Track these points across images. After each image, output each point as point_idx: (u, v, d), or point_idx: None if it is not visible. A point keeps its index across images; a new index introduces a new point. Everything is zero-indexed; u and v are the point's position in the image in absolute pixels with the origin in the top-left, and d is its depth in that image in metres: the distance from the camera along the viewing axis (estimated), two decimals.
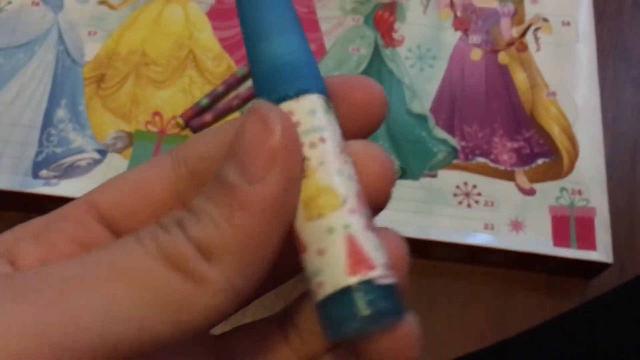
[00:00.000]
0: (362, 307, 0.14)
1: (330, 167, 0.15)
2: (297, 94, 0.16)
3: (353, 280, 0.14)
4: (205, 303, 0.14)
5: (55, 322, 0.13)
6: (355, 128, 0.17)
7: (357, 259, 0.14)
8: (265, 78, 0.17)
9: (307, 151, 0.16)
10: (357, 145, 0.17)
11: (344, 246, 0.15)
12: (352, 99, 0.17)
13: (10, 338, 0.13)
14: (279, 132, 0.15)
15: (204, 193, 0.15)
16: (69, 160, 0.48)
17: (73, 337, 0.13)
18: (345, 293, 0.14)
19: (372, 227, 0.15)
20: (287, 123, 0.15)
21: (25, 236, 0.17)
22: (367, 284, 0.14)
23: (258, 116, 0.15)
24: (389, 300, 0.15)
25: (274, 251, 0.15)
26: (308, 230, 0.15)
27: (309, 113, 0.16)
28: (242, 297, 0.15)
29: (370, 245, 0.15)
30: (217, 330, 0.18)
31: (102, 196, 0.18)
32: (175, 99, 0.50)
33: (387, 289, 0.15)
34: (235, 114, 0.50)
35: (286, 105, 0.16)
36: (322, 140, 0.16)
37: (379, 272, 0.15)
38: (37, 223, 0.17)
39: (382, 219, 0.17)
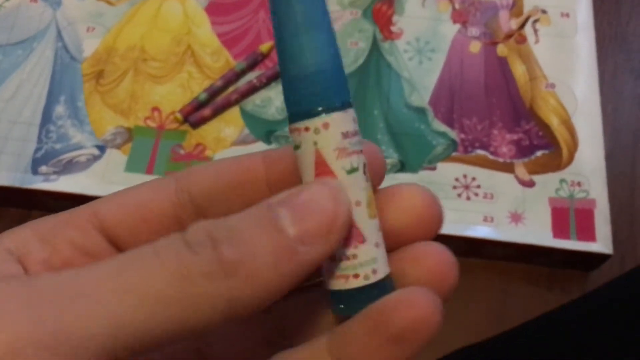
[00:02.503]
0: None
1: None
2: (344, 105, 0.17)
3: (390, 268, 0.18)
4: (205, 315, 0.15)
5: (65, 327, 0.14)
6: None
7: None
8: (308, 83, 0.17)
9: (364, 159, 0.17)
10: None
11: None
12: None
13: (21, 339, 0.14)
14: (343, 214, 0.16)
15: (249, 220, 0.16)
16: (68, 156, 0.48)
17: (79, 342, 0.14)
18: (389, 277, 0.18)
19: None
20: (349, 207, 0.17)
21: (33, 237, 0.18)
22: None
23: (330, 192, 0.16)
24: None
25: (286, 291, 0.16)
26: (370, 227, 0.17)
27: (355, 124, 0.17)
28: (243, 313, 0.16)
29: None
30: None
31: (108, 210, 0.19)
32: (174, 94, 0.50)
33: None
34: (234, 109, 0.50)
35: (337, 116, 0.17)
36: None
37: None
38: (44, 224, 0.18)
39: None
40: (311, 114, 0.17)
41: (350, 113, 0.17)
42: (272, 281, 0.15)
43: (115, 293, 0.14)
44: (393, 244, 0.18)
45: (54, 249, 0.18)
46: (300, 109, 0.17)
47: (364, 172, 0.17)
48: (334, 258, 0.17)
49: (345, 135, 0.17)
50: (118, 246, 0.19)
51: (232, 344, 0.20)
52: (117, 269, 0.15)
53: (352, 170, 0.17)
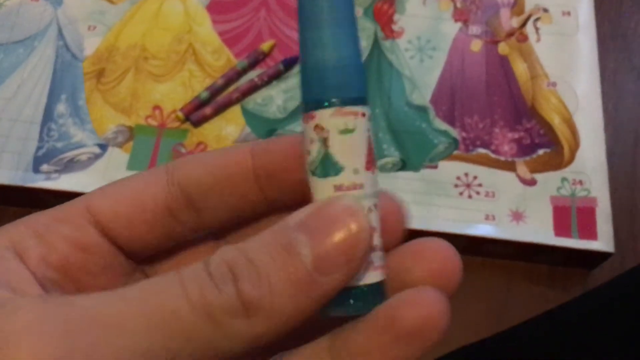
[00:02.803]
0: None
1: None
2: (365, 100, 0.17)
3: None
4: (227, 349, 0.15)
5: (97, 356, 0.14)
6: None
7: None
8: (342, 74, 0.17)
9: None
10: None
11: None
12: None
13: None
14: (364, 240, 0.16)
15: (267, 247, 0.16)
16: (69, 154, 0.48)
17: None
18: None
19: None
20: (370, 232, 0.16)
21: (28, 233, 0.18)
22: None
23: (352, 213, 0.16)
24: None
25: (304, 321, 0.16)
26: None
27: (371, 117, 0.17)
28: (263, 344, 0.16)
29: None
30: None
31: (101, 204, 0.19)
32: (175, 92, 0.50)
33: None
34: (236, 107, 0.50)
35: (365, 108, 0.17)
36: None
37: None
38: (38, 221, 0.18)
39: None
40: (365, 101, 0.17)
41: None
42: (290, 316, 0.15)
43: (145, 326, 0.15)
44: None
45: (50, 246, 0.18)
46: (356, 94, 0.17)
47: None
48: (375, 249, 0.16)
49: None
50: (113, 239, 0.19)
51: None
52: (146, 301, 0.15)
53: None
